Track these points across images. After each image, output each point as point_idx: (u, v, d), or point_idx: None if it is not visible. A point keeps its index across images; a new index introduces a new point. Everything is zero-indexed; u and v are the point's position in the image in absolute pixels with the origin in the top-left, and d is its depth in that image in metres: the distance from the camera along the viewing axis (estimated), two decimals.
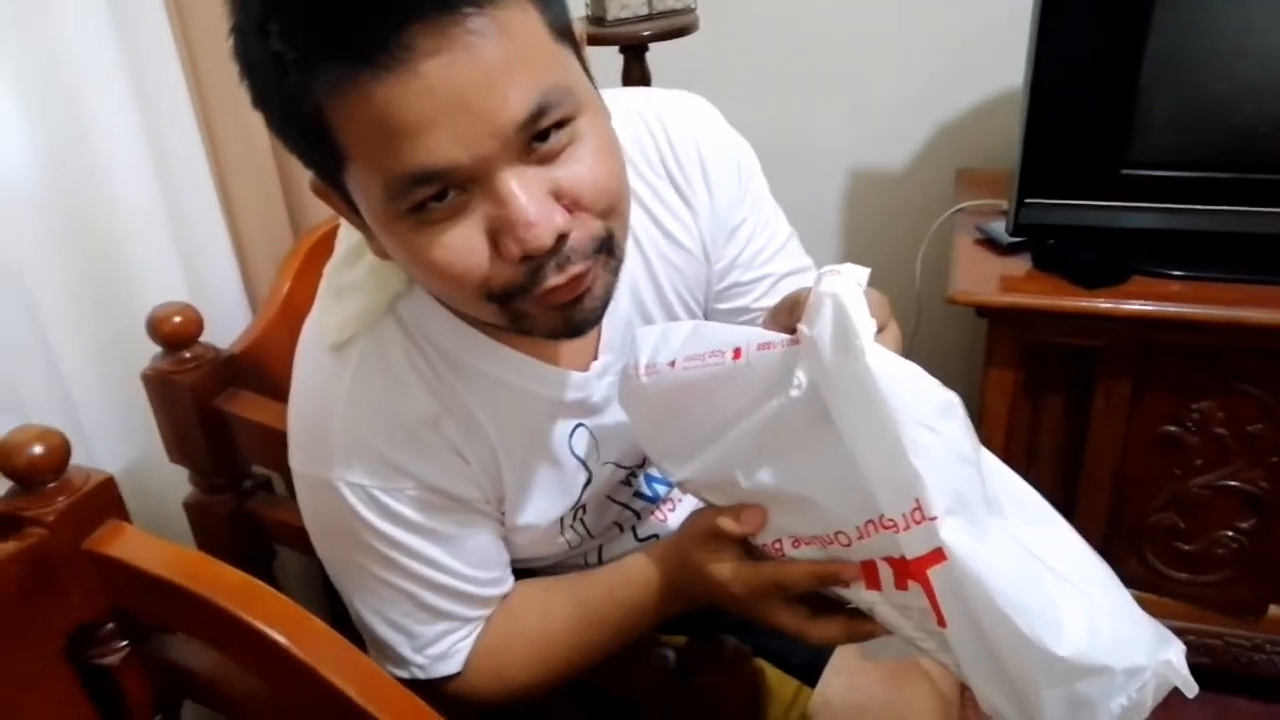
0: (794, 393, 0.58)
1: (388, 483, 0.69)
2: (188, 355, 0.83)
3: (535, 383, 0.74)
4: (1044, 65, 1.16)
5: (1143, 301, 1.19)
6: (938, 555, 0.55)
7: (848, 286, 0.56)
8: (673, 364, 0.64)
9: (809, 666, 0.86)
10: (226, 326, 1.00)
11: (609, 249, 0.61)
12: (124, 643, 0.74)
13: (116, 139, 0.89)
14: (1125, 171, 1.20)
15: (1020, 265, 1.30)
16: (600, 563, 0.89)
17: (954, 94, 1.63)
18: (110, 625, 0.73)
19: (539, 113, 0.54)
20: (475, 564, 0.75)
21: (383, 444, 0.69)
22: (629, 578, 0.75)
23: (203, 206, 0.99)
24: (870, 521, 0.59)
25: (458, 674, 0.77)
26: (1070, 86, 1.17)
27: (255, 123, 1.02)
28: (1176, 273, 1.22)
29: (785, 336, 0.60)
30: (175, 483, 0.93)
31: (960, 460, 0.56)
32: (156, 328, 0.83)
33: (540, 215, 0.55)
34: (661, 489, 0.90)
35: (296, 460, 0.72)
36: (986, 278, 1.28)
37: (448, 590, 0.74)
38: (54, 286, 0.88)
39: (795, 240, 0.86)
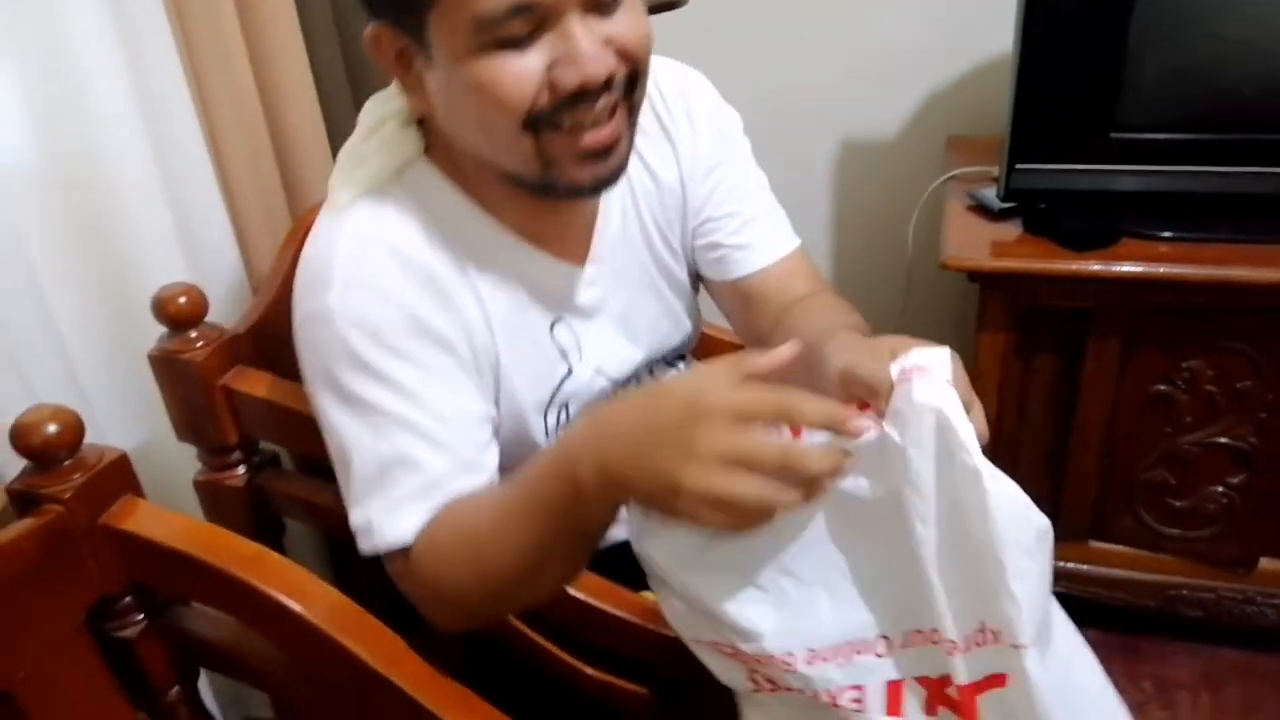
0: (866, 488, 0.57)
1: (384, 310, 0.72)
2: (194, 335, 0.85)
3: (527, 264, 0.81)
4: (1032, 30, 1.17)
5: (1132, 263, 1.20)
6: (996, 680, 0.56)
7: (946, 395, 0.55)
8: None
9: None
10: (227, 306, 1.01)
11: (632, 102, 0.73)
12: (141, 616, 0.76)
13: (113, 120, 0.90)
14: (1114, 135, 1.21)
15: (1011, 231, 1.31)
16: None
17: (944, 61, 1.63)
18: (128, 599, 0.75)
19: None
20: (454, 416, 0.74)
21: (382, 276, 0.73)
22: (547, 452, 0.68)
23: (200, 188, 1.00)
24: (917, 632, 0.58)
25: (404, 550, 0.72)
26: (1059, 51, 1.18)
27: (251, 104, 1.04)
28: (1165, 234, 1.23)
29: (864, 425, 0.57)
30: (184, 461, 0.94)
31: (1046, 589, 0.57)
32: (162, 309, 0.84)
33: (598, 54, 0.67)
34: None
35: (298, 308, 0.75)
36: (978, 243, 1.29)
37: (422, 433, 0.72)
38: (57, 268, 0.89)
39: (775, 208, 0.94)
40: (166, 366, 0.85)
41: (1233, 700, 1.39)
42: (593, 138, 0.70)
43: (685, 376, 0.60)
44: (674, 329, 0.94)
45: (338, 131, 1.16)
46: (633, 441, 0.56)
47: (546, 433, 0.87)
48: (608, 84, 0.69)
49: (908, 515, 0.56)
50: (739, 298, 0.92)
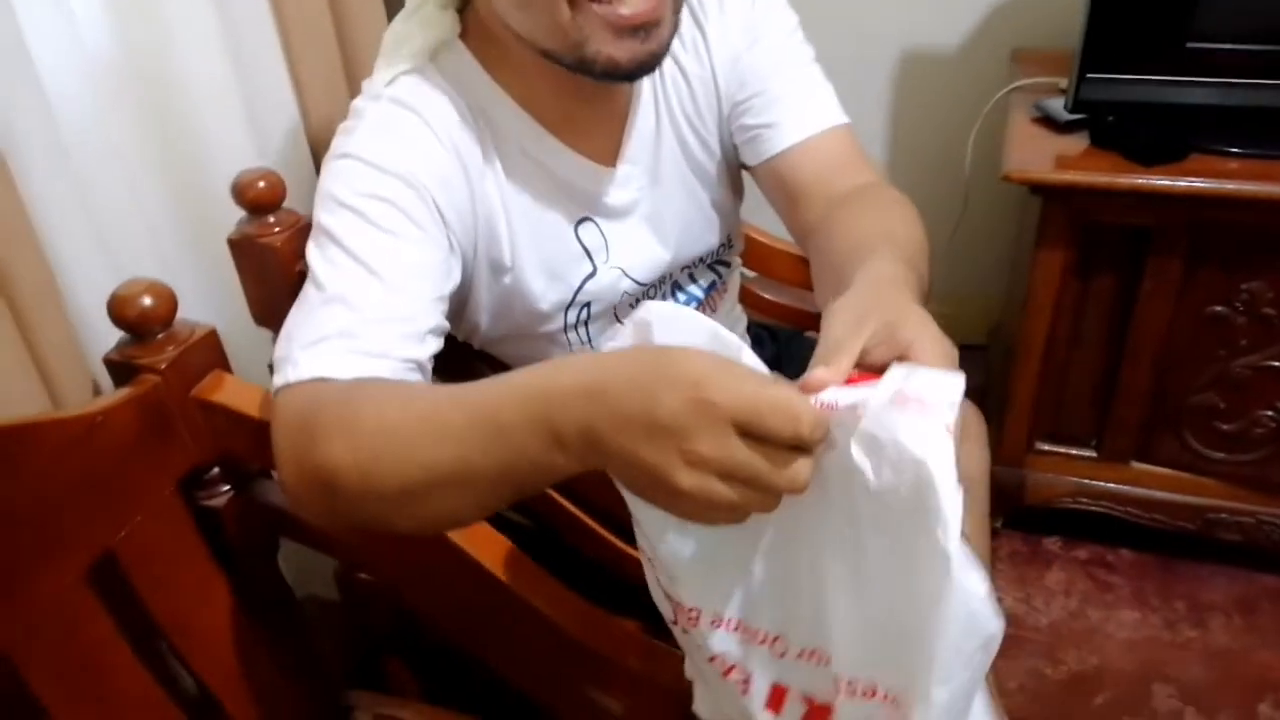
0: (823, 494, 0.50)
1: (395, 155, 0.73)
2: (271, 220, 0.86)
3: (555, 160, 0.81)
4: None
5: (1200, 179, 1.19)
6: None
7: (939, 450, 0.46)
8: None
9: None
10: (296, 193, 1.02)
11: None
12: (227, 487, 0.80)
13: (186, 13, 0.91)
14: (1190, 45, 1.18)
15: (1078, 144, 1.29)
16: None
17: None
18: (215, 469, 0.78)
19: None
20: (412, 282, 0.71)
21: (406, 131, 0.74)
22: (515, 372, 0.58)
23: (269, 78, 1.00)
24: (814, 651, 0.54)
25: (294, 385, 0.65)
26: None
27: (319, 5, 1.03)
28: (1235, 150, 1.21)
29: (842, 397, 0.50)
30: (259, 345, 0.97)
31: (970, 697, 0.51)
32: (242, 193, 0.85)
33: None
34: None
35: (324, 161, 0.76)
36: (1042, 156, 1.27)
37: (376, 275, 0.69)
38: (141, 154, 0.91)
39: (814, 85, 0.88)
40: (246, 250, 0.86)
41: (1267, 623, 1.41)
42: (632, 10, 0.69)
43: (693, 360, 0.50)
44: (707, 230, 0.93)
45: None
46: (628, 421, 0.50)
47: (565, 328, 0.88)
48: None
49: (848, 547, 0.51)
50: (776, 183, 0.88)
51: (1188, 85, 1.20)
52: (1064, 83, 1.27)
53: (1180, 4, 1.16)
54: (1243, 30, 1.17)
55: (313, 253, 0.72)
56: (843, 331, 0.55)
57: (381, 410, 0.60)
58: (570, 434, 0.52)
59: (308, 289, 0.71)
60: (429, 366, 0.71)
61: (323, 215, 0.72)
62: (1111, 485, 1.46)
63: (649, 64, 0.73)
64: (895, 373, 0.51)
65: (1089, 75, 1.22)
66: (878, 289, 0.61)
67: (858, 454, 0.47)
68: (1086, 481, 1.47)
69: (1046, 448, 1.48)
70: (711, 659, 0.57)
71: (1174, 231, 1.24)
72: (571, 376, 0.53)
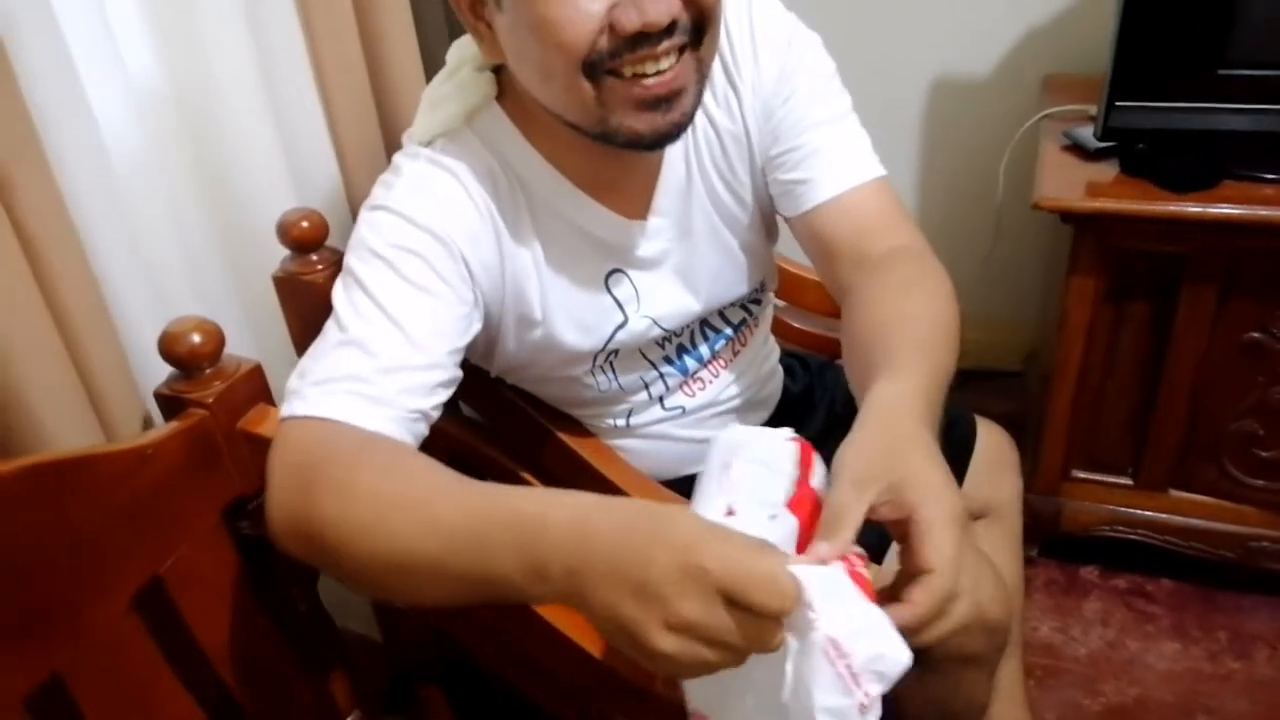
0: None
1: (429, 215, 0.75)
2: (314, 258, 0.89)
3: (585, 216, 0.83)
4: None
5: (1233, 205, 1.18)
6: None
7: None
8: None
9: (875, 546, 0.90)
10: (334, 233, 1.06)
11: (700, 54, 0.72)
12: None
13: (228, 53, 0.94)
14: (1222, 71, 1.18)
15: (1107, 171, 1.29)
16: (629, 428, 0.96)
17: None
18: (259, 500, 0.81)
19: None
20: (422, 330, 0.72)
21: (442, 192, 0.77)
22: (513, 490, 0.62)
23: (308, 122, 1.03)
24: None
25: (300, 419, 0.68)
26: None
27: (353, 40, 1.07)
28: (1269, 175, 1.20)
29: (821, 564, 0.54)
30: None
31: None
32: (286, 232, 0.89)
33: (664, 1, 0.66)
34: (692, 364, 0.96)
35: (364, 206, 0.79)
36: (1072, 184, 1.27)
37: (397, 326, 0.71)
38: (188, 189, 0.94)
39: (848, 138, 0.87)
40: (290, 287, 0.89)
41: None
42: (654, 85, 0.69)
43: (687, 523, 0.52)
44: (739, 277, 0.93)
45: (434, 70, 1.19)
46: (616, 577, 0.51)
47: (593, 369, 0.90)
48: (670, 29, 0.67)
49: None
50: (811, 237, 0.88)
51: (1219, 112, 1.20)
52: (1094, 110, 1.27)
53: (1209, 32, 1.16)
54: (1273, 57, 1.16)
55: (339, 294, 0.75)
56: (847, 498, 0.57)
57: (380, 483, 0.62)
58: (555, 573, 0.53)
59: (329, 328, 0.74)
60: (435, 415, 0.74)
61: (354, 261, 0.75)
62: (1149, 513, 1.45)
63: (672, 134, 0.74)
64: (846, 591, 0.53)
65: (1118, 103, 1.22)
66: (886, 433, 0.62)
67: (787, 664, 0.52)
68: (1124, 510, 1.45)
69: (1083, 475, 1.47)
70: None
71: (1208, 259, 1.24)
72: (567, 515, 0.54)
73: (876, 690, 0.51)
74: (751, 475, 0.62)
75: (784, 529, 0.60)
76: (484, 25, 0.73)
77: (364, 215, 0.78)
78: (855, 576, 0.55)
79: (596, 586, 0.51)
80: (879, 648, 0.52)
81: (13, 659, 0.62)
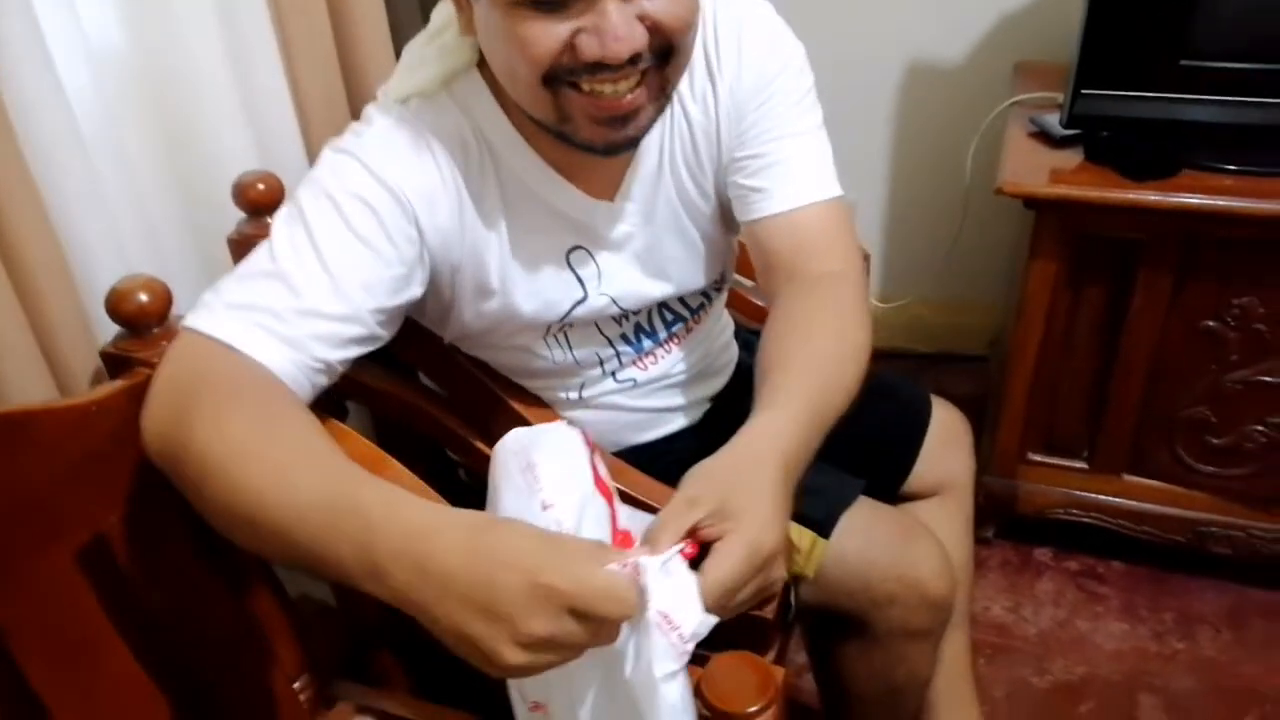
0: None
1: (391, 169, 0.75)
2: (269, 220, 0.89)
3: (553, 192, 0.83)
4: None
5: (1191, 194, 1.20)
6: None
7: (676, 680, 0.57)
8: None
9: (823, 521, 0.92)
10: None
11: (665, 74, 0.73)
12: None
13: (191, 16, 0.94)
14: (1184, 62, 1.20)
15: (1072, 158, 1.30)
16: (580, 400, 0.97)
17: None
18: None
19: None
20: (358, 290, 0.72)
21: (410, 150, 0.76)
22: (367, 479, 0.61)
23: (269, 83, 1.03)
24: None
25: (202, 334, 0.68)
26: None
27: (319, 11, 1.06)
28: (1229, 167, 1.22)
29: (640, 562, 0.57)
30: None
31: None
32: (242, 194, 0.88)
33: (627, 34, 0.67)
34: (648, 344, 0.97)
35: (322, 153, 0.78)
36: (1037, 170, 1.29)
37: (326, 269, 0.71)
38: (146, 153, 0.94)
39: (813, 155, 0.88)
40: (244, 249, 0.88)
41: (1255, 637, 1.42)
42: (610, 104, 0.71)
43: (526, 541, 0.54)
44: (697, 270, 0.94)
45: (400, 29, 1.18)
46: (457, 595, 0.52)
47: (545, 335, 0.90)
48: (633, 59, 0.69)
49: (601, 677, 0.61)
50: (753, 244, 0.90)
51: (1181, 103, 1.21)
52: (1061, 98, 1.28)
53: (1174, 23, 1.17)
54: (1235, 49, 1.18)
55: (280, 222, 0.74)
56: (676, 511, 0.63)
57: (251, 428, 0.63)
58: (392, 582, 0.54)
59: (260, 251, 0.73)
60: (339, 370, 0.74)
61: (304, 195, 0.74)
62: (1103, 497, 1.47)
63: (626, 147, 0.77)
64: (677, 570, 0.60)
65: (1084, 91, 1.23)
66: (736, 462, 0.67)
67: (622, 642, 0.57)
68: (1078, 493, 1.48)
69: (1039, 459, 1.49)
70: None
71: (1165, 246, 1.26)
72: (404, 529, 0.55)
73: (690, 647, 0.58)
74: (557, 469, 0.66)
75: (598, 510, 0.66)
76: (464, 7, 0.73)
77: (326, 154, 0.77)
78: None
79: (438, 603, 0.53)
80: (698, 614, 0.58)
81: None
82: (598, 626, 0.53)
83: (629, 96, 0.71)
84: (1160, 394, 1.37)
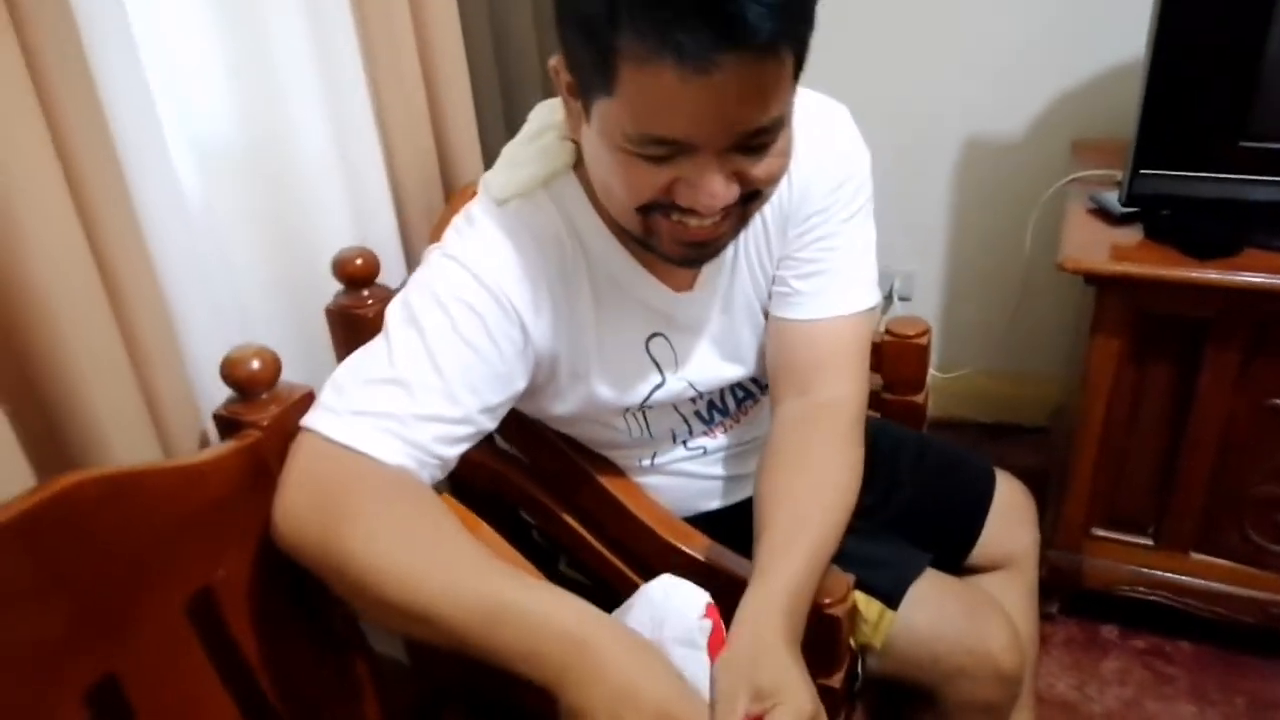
0: None
1: (497, 276, 0.79)
2: (366, 293, 0.95)
3: (637, 284, 0.88)
4: (1166, 34, 1.18)
5: (1256, 273, 1.21)
6: None
7: None
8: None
9: (891, 592, 0.94)
10: (387, 273, 1.12)
11: (746, 211, 0.77)
12: None
13: (300, 103, 1.01)
14: (1244, 144, 1.21)
15: (1132, 236, 1.32)
16: (653, 467, 1.01)
17: (1073, 62, 1.64)
18: None
19: (763, 131, 0.69)
20: (469, 393, 0.77)
21: (514, 257, 0.80)
22: (529, 584, 0.69)
23: (368, 164, 1.10)
24: None
25: (327, 438, 0.73)
26: (1192, 57, 1.19)
27: (414, 90, 1.14)
28: None
29: None
30: None
31: None
32: (341, 268, 0.94)
33: (720, 197, 0.71)
34: (719, 417, 1.01)
35: (431, 250, 0.83)
36: (1097, 246, 1.31)
37: (441, 376, 0.76)
38: (249, 231, 1.01)
39: (858, 268, 0.91)
40: (342, 320, 0.95)
41: None
42: (695, 233, 0.75)
43: (670, 685, 0.65)
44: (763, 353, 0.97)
45: (484, 115, 1.26)
46: (600, 693, 0.63)
47: (625, 414, 0.95)
48: (726, 210, 0.73)
49: None
50: (776, 342, 0.93)
51: (1242, 183, 1.23)
52: (1120, 175, 1.31)
53: (1233, 104, 1.20)
54: None
55: (396, 320, 0.79)
56: (724, 712, 0.68)
57: (409, 532, 0.70)
58: (550, 670, 0.64)
59: (377, 351, 0.78)
60: (453, 465, 0.80)
61: (416, 299, 0.79)
62: (1170, 575, 1.45)
63: (703, 262, 0.84)
64: None
65: (1143, 170, 1.25)
66: (750, 647, 0.73)
67: None
68: (1145, 570, 1.46)
69: (1104, 534, 1.48)
70: None
71: (1231, 324, 1.26)
72: (560, 626, 0.65)
73: None
74: (681, 657, 0.72)
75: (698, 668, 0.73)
76: (576, 104, 0.75)
77: (435, 258, 0.82)
78: None
79: (579, 688, 0.63)
80: None
81: (73, 656, 0.66)
82: None
83: (713, 229, 0.75)
84: (1229, 471, 1.36)
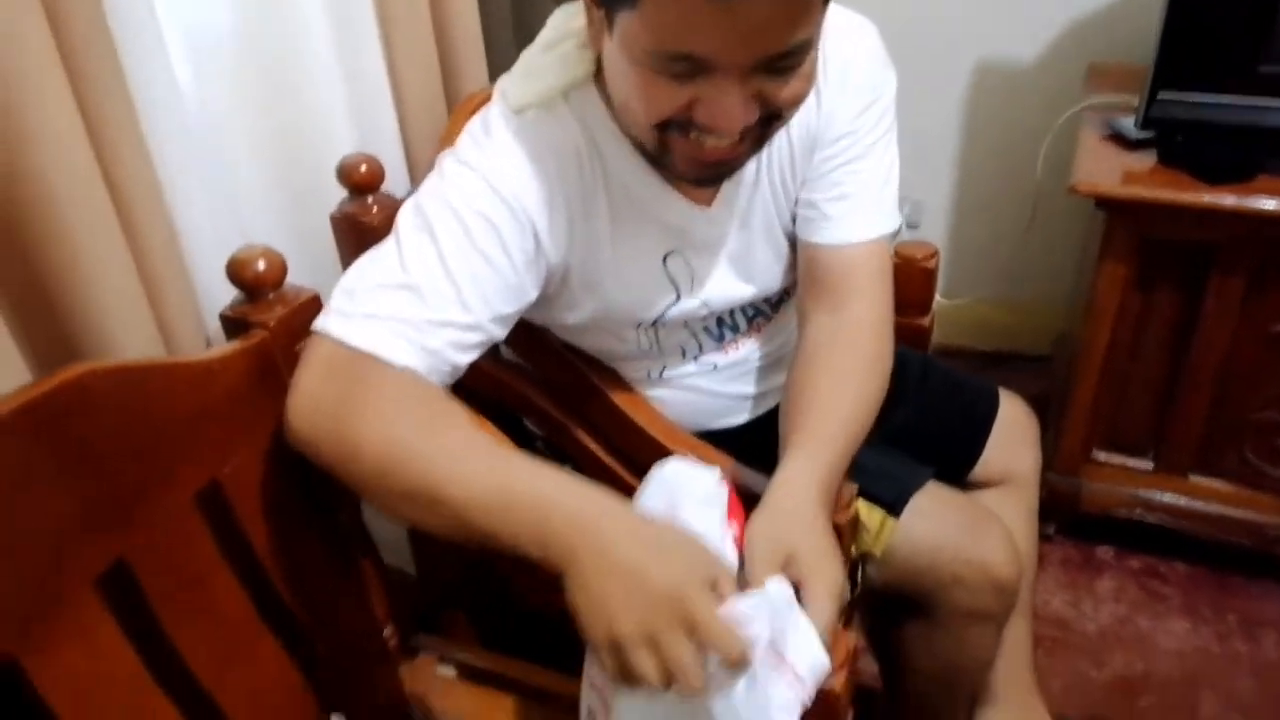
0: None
1: (513, 184, 0.78)
2: (370, 200, 0.94)
3: (655, 198, 0.87)
4: None
5: (1267, 198, 1.20)
6: None
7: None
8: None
9: (893, 502, 0.95)
10: (391, 180, 1.11)
11: (762, 138, 0.76)
12: None
13: (302, 5, 1.00)
14: (1263, 68, 1.20)
15: (1145, 161, 1.31)
16: (661, 379, 1.01)
17: None
18: None
19: (789, 54, 0.67)
20: (481, 301, 0.77)
21: (532, 164, 0.79)
22: (539, 469, 0.69)
23: (371, 72, 1.09)
24: None
25: (339, 340, 0.73)
26: None
27: (421, 4, 1.12)
28: None
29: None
30: None
31: None
32: (346, 174, 0.94)
33: (740, 119, 0.70)
34: (729, 334, 1.01)
35: (447, 153, 0.82)
36: (1110, 170, 1.30)
37: (452, 281, 0.76)
38: (255, 135, 1.00)
39: (882, 191, 0.92)
40: (347, 227, 0.95)
41: None
42: (711, 152, 0.74)
43: (694, 556, 0.65)
44: (781, 273, 0.97)
45: (491, 24, 1.24)
46: (608, 574, 0.62)
47: (636, 329, 0.95)
48: (744, 131, 0.72)
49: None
50: (807, 262, 0.93)
51: (1259, 108, 1.21)
52: (1135, 100, 1.29)
53: (1254, 27, 1.18)
54: None
55: (408, 225, 0.78)
56: (758, 573, 0.70)
57: (421, 429, 0.70)
58: (558, 553, 0.63)
59: (386, 253, 0.77)
60: (463, 370, 0.80)
61: (430, 205, 0.78)
62: (1168, 498, 1.47)
63: (716, 183, 0.84)
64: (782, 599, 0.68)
65: (1160, 94, 1.24)
66: (784, 517, 0.75)
67: (739, 699, 0.64)
68: (1143, 493, 1.48)
69: (1104, 458, 1.50)
70: None
71: (1238, 250, 1.26)
72: (591, 507, 0.65)
73: (812, 687, 0.65)
74: (699, 516, 0.72)
75: (730, 557, 0.73)
76: (598, 14, 0.73)
77: (450, 164, 0.81)
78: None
79: (591, 584, 0.62)
80: (814, 655, 0.66)
81: (86, 542, 0.68)
82: (697, 661, 0.60)
83: (729, 149, 0.74)
84: (1230, 396, 1.37)
